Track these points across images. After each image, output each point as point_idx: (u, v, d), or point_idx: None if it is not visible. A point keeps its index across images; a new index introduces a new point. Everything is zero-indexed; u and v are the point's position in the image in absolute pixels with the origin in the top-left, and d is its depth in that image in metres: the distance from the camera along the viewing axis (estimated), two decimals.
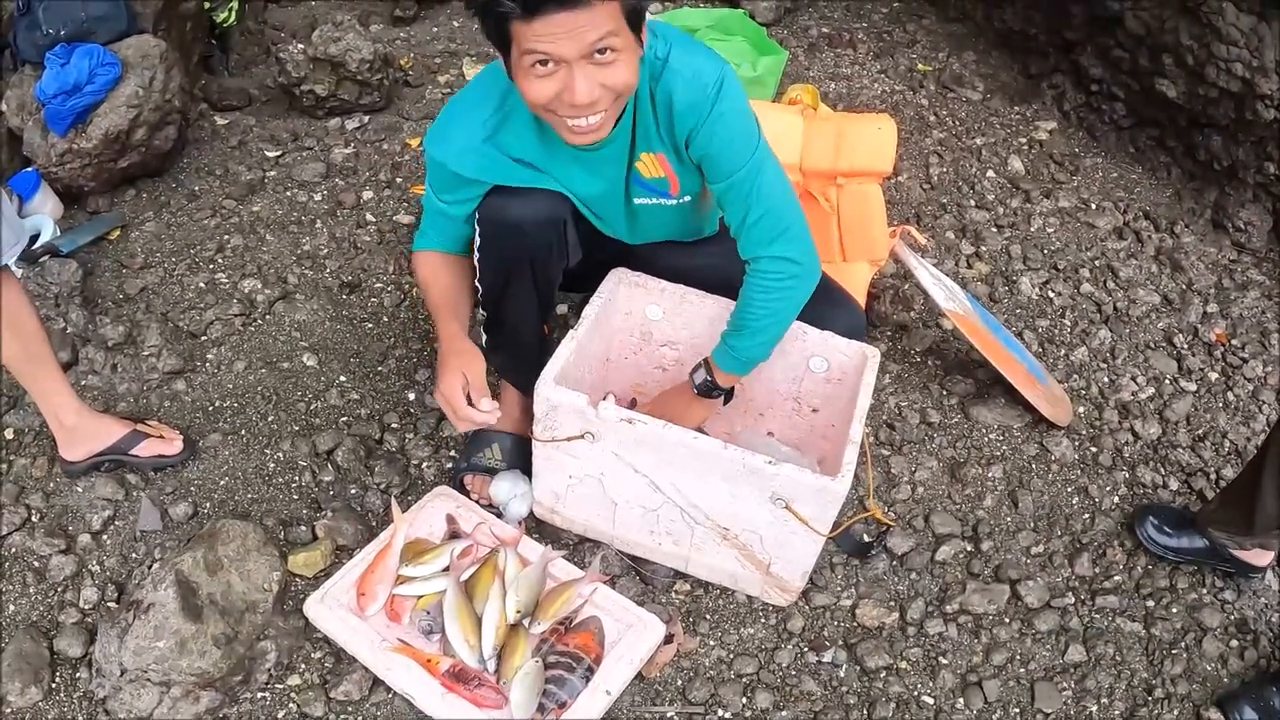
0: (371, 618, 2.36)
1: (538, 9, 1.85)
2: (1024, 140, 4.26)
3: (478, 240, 2.35)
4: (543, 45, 1.89)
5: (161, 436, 2.74)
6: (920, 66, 4.67)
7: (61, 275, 3.16)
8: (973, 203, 3.89)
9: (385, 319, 3.23)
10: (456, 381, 2.21)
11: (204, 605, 2.30)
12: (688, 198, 2.39)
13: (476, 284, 2.43)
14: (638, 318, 2.59)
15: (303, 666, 2.39)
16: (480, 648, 2.29)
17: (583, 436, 2.30)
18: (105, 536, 2.64)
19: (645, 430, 2.23)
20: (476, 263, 2.39)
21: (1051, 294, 3.55)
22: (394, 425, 2.92)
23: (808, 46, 4.76)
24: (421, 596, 2.39)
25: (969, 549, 2.75)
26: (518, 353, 2.57)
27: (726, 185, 2.24)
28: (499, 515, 2.61)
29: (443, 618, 2.33)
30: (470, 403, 2.21)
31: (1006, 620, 2.59)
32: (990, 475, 2.93)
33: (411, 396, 3.01)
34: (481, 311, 2.50)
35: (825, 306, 2.52)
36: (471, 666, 2.27)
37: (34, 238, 3.29)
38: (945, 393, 3.15)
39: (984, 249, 3.69)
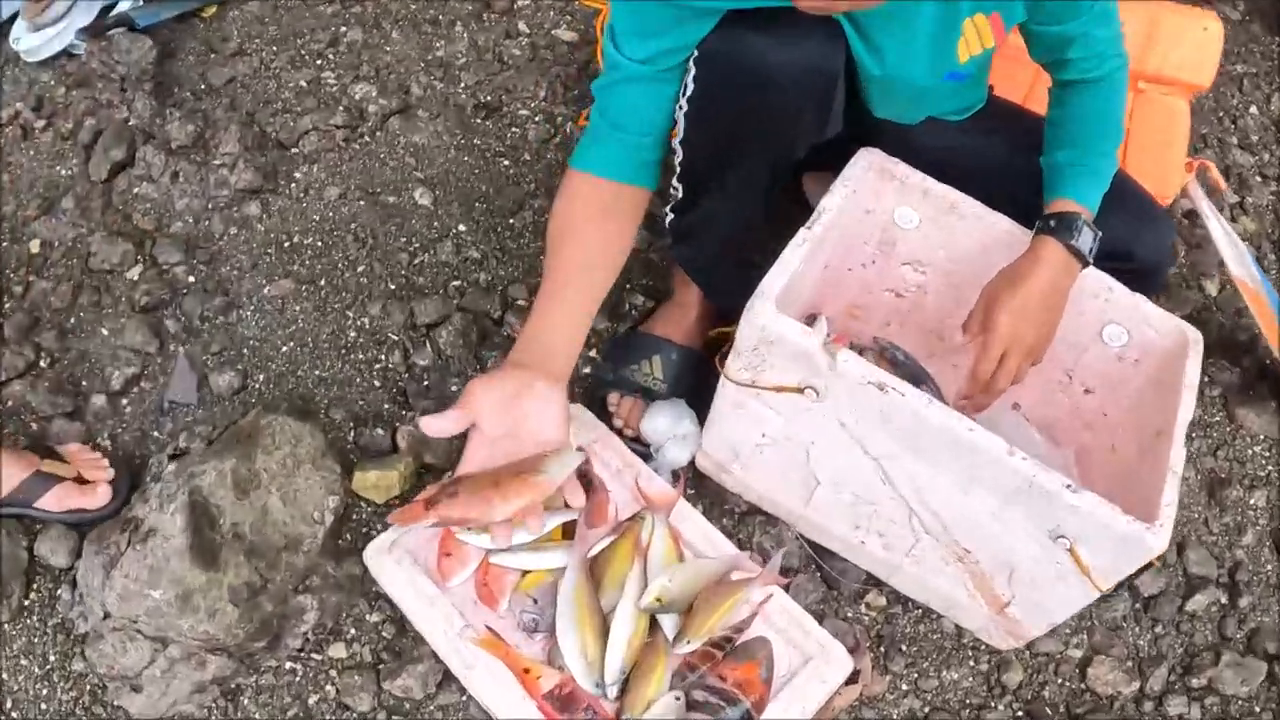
0: (455, 588, 1.57)
1: None
2: None
3: (690, 87, 1.50)
4: None
5: (79, 479, 1.74)
6: None
7: (132, 54, 2.35)
8: (1235, 140, 2.89)
9: (527, 157, 2.36)
10: (493, 394, 1.40)
11: (224, 542, 1.55)
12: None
13: (676, 145, 1.58)
14: (882, 220, 1.72)
15: (352, 632, 1.65)
16: (601, 665, 1.50)
17: (801, 391, 1.46)
18: (125, 401, 1.90)
19: (901, 404, 1.40)
20: (681, 116, 1.53)
21: None
22: (520, 301, 2.08)
23: None
24: (528, 572, 1.58)
25: (1223, 601, 1.94)
26: (715, 247, 1.73)
27: (1085, 17, 1.58)
28: (647, 458, 1.78)
29: (555, 612, 1.53)
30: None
31: (1257, 709, 1.82)
32: (1253, 503, 2.07)
33: None
34: (675, 184, 1.65)
35: (1131, 217, 1.69)
36: (585, 690, 1.48)
37: (107, 7, 2.48)
38: (1206, 379, 2.24)
39: (1249, 200, 2.71)
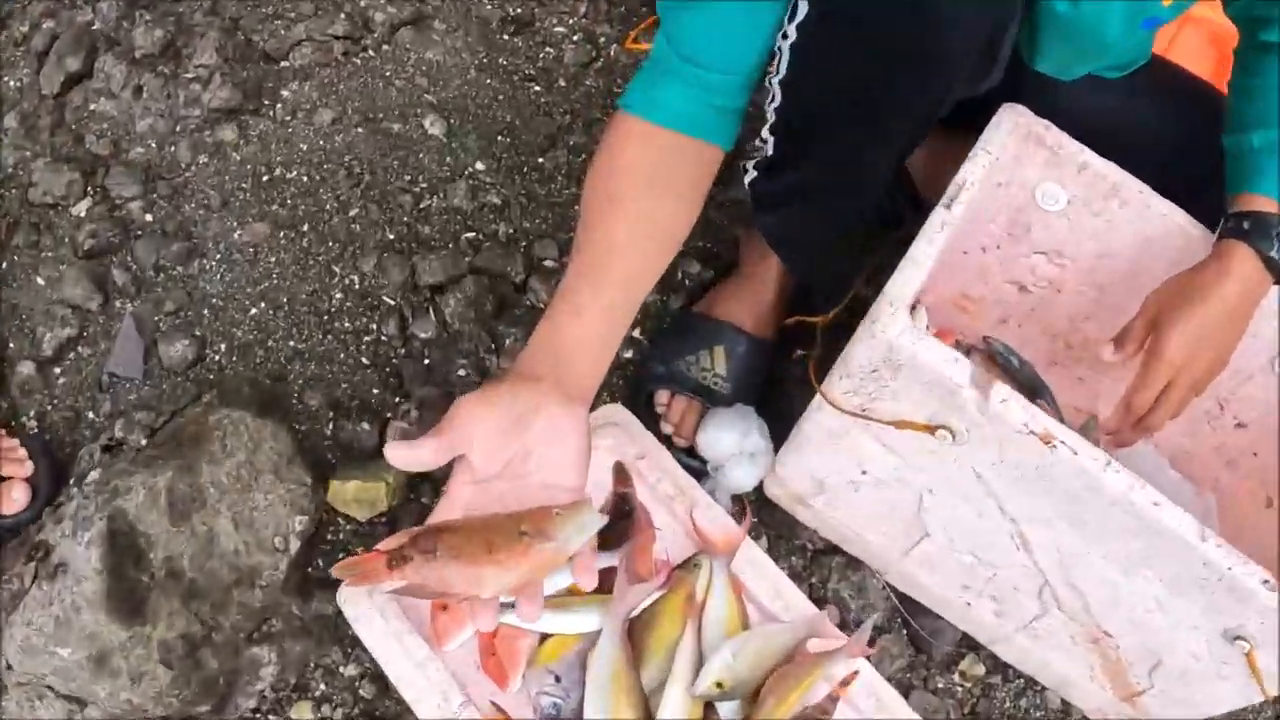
0: (453, 651, 1.20)
1: None
2: None
3: (803, 10, 1.08)
4: None
5: None
6: None
7: None
8: None
9: (562, 83, 1.95)
10: (490, 417, 0.95)
11: (154, 584, 1.18)
12: None
13: (773, 85, 1.17)
14: (1019, 196, 1.32)
15: (322, 688, 1.30)
16: None
17: (932, 431, 1.08)
18: (58, 370, 1.54)
19: (1070, 463, 1.02)
20: (787, 48, 1.12)
21: None
22: (548, 263, 1.70)
23: None
24: (548, 638, 1.22)
25: None
26: (817, 225, 1.33)
27: None
28: (701, 475, 1.40)
29: (583, 692, 1.17)
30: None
31: None
32: None
33: None
34: (765, 135, 1.24)
35: None
36: None
37: None
38: None
39: None
